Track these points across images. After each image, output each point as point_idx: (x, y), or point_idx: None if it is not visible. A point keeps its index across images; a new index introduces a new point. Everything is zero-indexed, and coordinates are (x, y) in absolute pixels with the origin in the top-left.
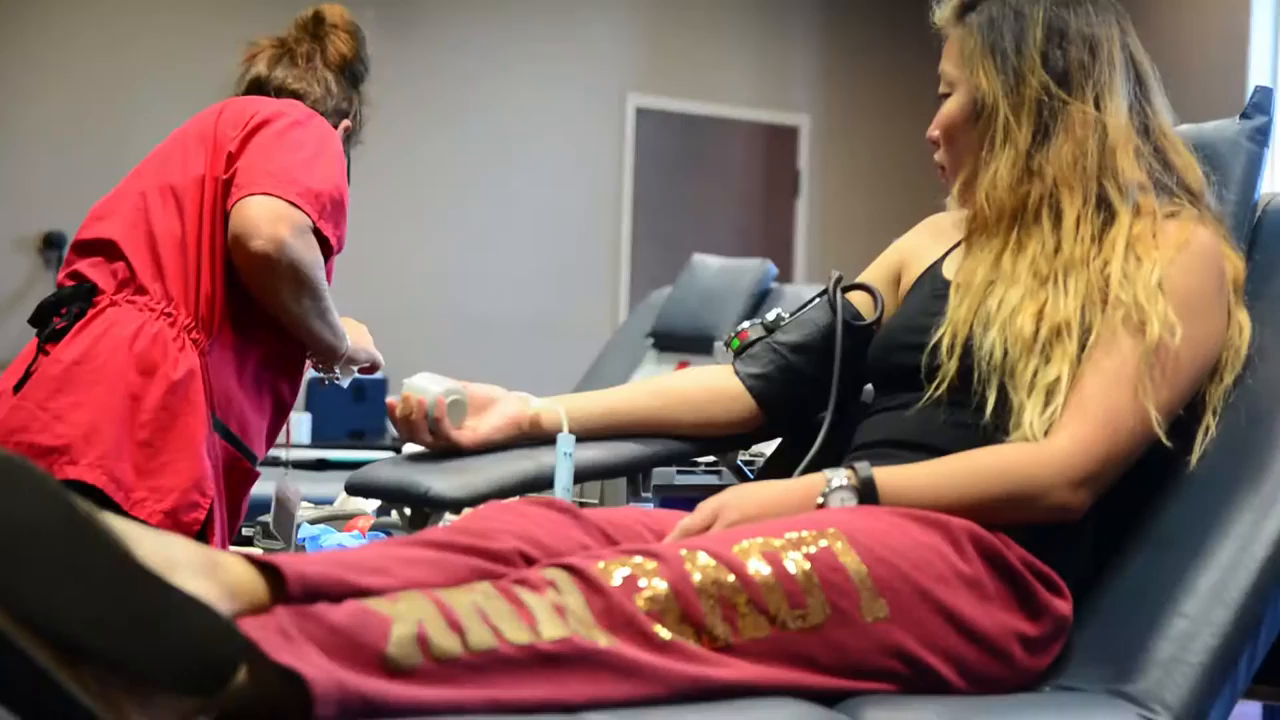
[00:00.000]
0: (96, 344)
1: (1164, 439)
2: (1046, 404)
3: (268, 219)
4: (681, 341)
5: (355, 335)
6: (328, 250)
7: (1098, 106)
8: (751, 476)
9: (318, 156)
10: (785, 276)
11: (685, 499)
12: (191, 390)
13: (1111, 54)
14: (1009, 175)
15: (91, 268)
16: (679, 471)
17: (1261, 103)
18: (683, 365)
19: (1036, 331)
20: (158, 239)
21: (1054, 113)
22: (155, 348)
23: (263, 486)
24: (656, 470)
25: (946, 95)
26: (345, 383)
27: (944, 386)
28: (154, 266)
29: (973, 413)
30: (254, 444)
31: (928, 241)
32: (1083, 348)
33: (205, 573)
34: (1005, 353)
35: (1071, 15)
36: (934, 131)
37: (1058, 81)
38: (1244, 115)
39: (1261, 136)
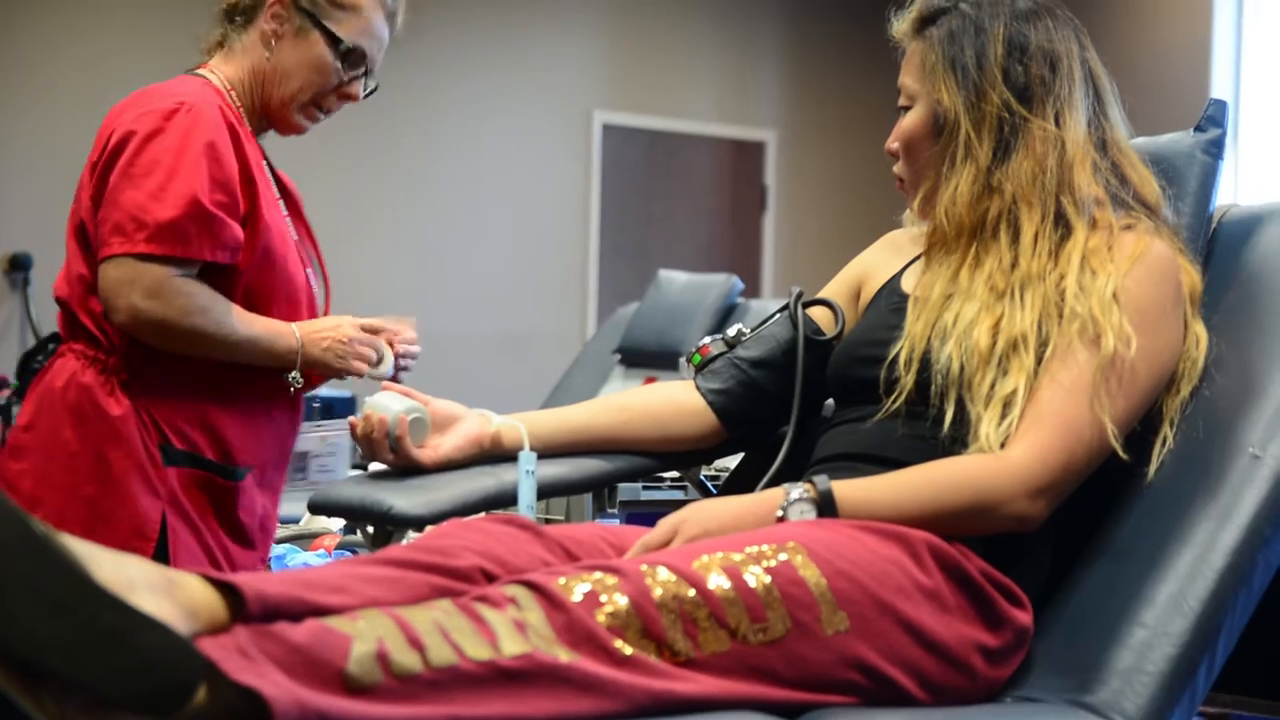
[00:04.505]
0: (40, 404)
1: (1119, 450)
2: (1003, 416)
3: (121, 289)
4: (648, 357)
5: (313, 334)
6: (219, 259)
7: (1057, 122)
8: (715, 492)
9: (172, 174)
10: (753, 291)
11: (651, 514)
12: (122, 432)
13: (1071, 69)
14: (969, 191)
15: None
16: (645, 487)
17: (1215, 115)
18: (650, 380)
19: (993, 345)
20: (74, 281)
21: (1014, 129)
22: (85, 397)
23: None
24: (622, 486)
25: (906, 108)
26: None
27: (901, 399)
28: (83, 309)
29: (930, 425)
30: (238, 453)
31: (886, 257)
32: (1039, 361)
33: (163, 592)
34: (962, 366)
35: (1032, 30)
36: (893, 144)
37: (1018, 97)
38: (1198, 128)
39: (1216, 149)
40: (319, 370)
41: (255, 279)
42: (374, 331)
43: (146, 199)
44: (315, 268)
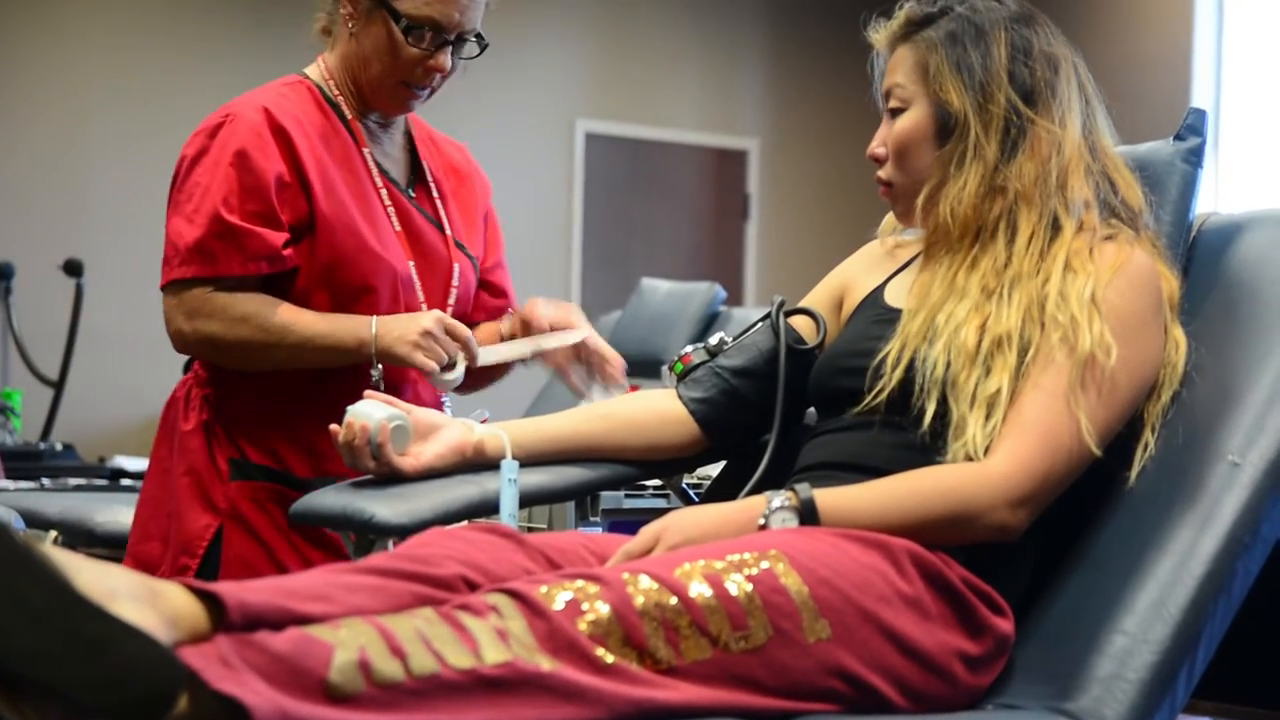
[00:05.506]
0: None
1: (1097, 452)
2: (988, 417)
3: (170, 316)
4: (631, 365)
5: (390, 323)
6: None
7: (1060, 124)
8: (697, 500)
9: (206, 193)
10: (735, 299)
11: (633, 522)
12: (189, 446)
13: (1069, 73)
14: (976, 192)
15: None
16: (627, 495)
17: (1195, 124)
18: (633, 389)
19: (979, 343)
20: None
21: (1021, 130)
22: (177, 412)
23: None
24: (605, 494)
25: (899, 110)
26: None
27: (884, 396)
28: None
29: (912, 434)
30: (330, 463)
31: (867, 268)
32: (1022, 359)
33: (145, 601)
34: (948, 365)
35: (1032, 34)
36: (879, 149)
37: (1024, 99)
38: (1178, 136)
39: (1195, 157)
40: (391, 361)
41: (333, 278)
42: (456, 336)
43: (183, 223)
44: (460, 252)
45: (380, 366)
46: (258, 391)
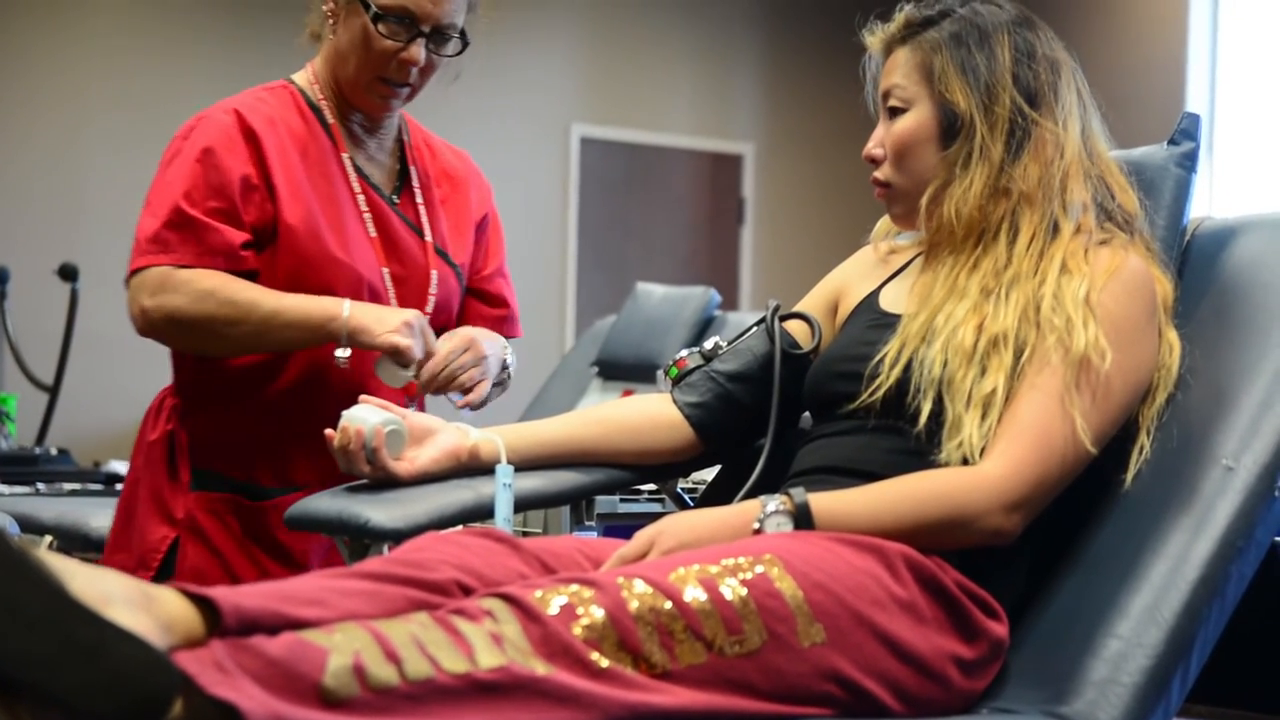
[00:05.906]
0: None
1: (1093, 450)
2: (983, 417)
3: (132, 300)
4: (626, 370)
5: (367, 306)
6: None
7: (1063, 127)
8: (692, 504)
9: (170, 187)
10: (731, 304)
11: (628, 527)
12: (151, 457)
13: (1070, 77)
14: (982, 193)
15: None
16: (622, 499)
17: (1189, 129)
18: (627, 393)
19: (976, 343)
20: None
21: (1026, 132)
22: (147, 422)
23: None
24: (600, 498)
25: (899, 110)
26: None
27: (880, 394)
28: None
29: (907, 437)
30: (295, 473)
31: (863, 272)
32: (1017, 360)
33: (140, 606)
34: (945, 364)
35: (1034, 37)
36: (877, 150)
37: (1028, 100)
38: (1172, 141)
39: (1189, 162)
40: (361, 339)
41: (294, 283)
42: (425, 341)
43: (149, 214)
44: (443, 259)
45: (348, 351)
46: (227, 397)
